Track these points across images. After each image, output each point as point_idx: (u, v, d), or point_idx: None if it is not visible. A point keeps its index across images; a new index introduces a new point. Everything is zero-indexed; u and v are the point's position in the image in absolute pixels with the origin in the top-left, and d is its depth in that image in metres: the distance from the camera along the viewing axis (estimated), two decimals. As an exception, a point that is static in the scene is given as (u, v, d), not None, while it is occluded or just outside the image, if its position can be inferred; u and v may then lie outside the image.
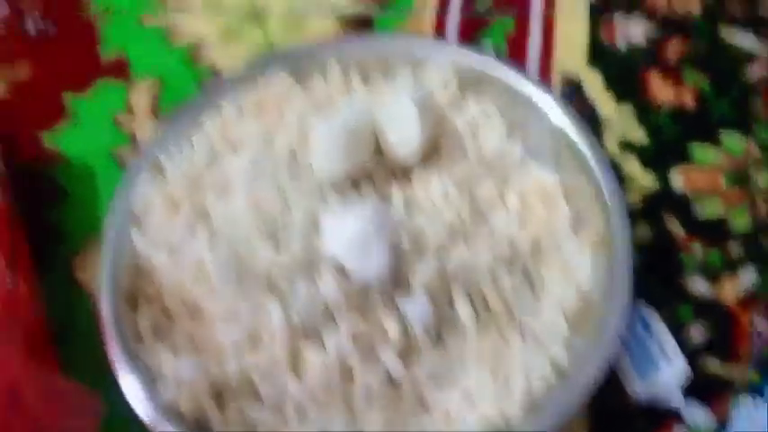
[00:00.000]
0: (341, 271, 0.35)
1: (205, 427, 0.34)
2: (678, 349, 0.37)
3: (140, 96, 0.49)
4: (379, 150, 0.40)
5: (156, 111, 0.48)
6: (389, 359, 0.35)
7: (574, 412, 0.35)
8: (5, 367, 0.27)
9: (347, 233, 0.35)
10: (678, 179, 0.44)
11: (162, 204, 0.40)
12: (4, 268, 0.29)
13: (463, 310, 0.36)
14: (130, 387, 0.35)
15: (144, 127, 0.48)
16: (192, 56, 0.51)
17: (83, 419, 0.31)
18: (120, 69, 0.50)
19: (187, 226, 0.39)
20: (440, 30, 0.50)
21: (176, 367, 0.35)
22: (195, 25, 0.52)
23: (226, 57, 0.50)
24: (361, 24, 0.51)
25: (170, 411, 0.34)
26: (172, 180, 0.41)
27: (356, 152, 0.39)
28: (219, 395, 0.35)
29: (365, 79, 0.44)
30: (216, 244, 0.38)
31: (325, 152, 0.39)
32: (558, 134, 0.41)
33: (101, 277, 0.38)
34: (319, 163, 0.39)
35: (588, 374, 0.34)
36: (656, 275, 0.41)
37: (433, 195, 0.39)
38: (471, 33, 0.50)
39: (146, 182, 0.40)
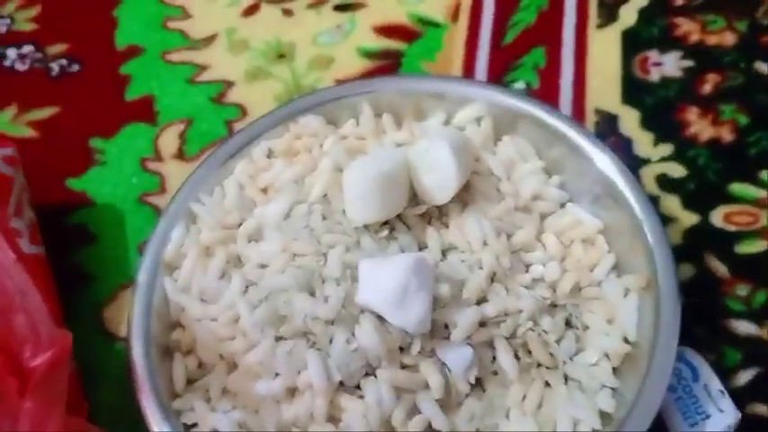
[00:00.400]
0: (380, 320, 0.35)
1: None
2: (727, 395, 0.36)
3: (167, 138, 0.49)
4: (413, 193, 0.40)
5: (184, 153, 0.48)
6: (430, 409, 0.34)
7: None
8: (45, 425, 0.27)
9: (386, 284, 0.34)
10: (718, 216, 0.43)
11: (194, 252, 0.39)
12: (48, 319, 0.29)
13: (505, 357, 0.35)
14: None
15: (171, 169, 0.48)
16: (218, 96, 0.50)
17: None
18: (147, 111, 0.50)
19: (220, 274, 0.39)
20: (469, 65, 0.50)
21: (213, 421, 0.34)
22: (221, 65, 0.52)
23: (253, 96, 0.50)
24: (388, 61, 0.51)
25: (206, 467, 0.34)
26: (204, 227, 0.40)
27: (390, 196, 0.38)
28: (257, 449, 0.34)
29: (397, 120, 0.43)
30: (251, 293, 0.37)
31: (359, 197, 0.38)
32: (597, 174, 0.40)
33: (132, 326, 0.37)
34: (353, 208, 0.38)
35: (636, 422, 0.33)
36: (699, 316, 0.40)
37: (471, 239, 0.38)
38: (501, 68, 0.50)
39: (178, 229, 0.40)
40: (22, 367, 0.26)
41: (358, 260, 0.37)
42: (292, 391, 0.35)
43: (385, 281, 0.34)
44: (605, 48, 0.50)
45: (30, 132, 0.49)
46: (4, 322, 0.27)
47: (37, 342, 0.27)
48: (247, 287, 0.38)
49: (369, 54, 0.51)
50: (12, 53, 0.53)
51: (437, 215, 0.40)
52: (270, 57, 0.52)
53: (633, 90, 0.48)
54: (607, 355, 0.36)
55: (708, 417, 0.36)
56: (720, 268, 0.42)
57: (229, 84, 0.51)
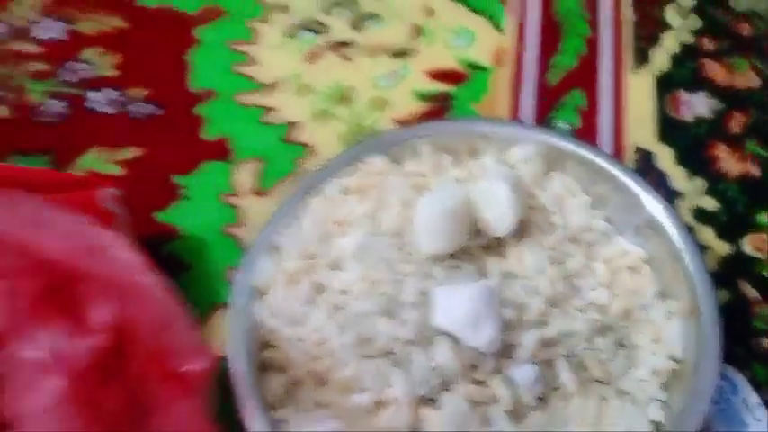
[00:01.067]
0: (454, 341, 0.39)
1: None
2: (764, 407, 0.41)
3: (243, 175, 0.54)
4: (474, 227, 0.44)
5: (259, 188, 0.53)
6: (501, 420, 0.39)
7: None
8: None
9: (460, 308, 0.39)
10: (748, 245, 0.48)
11: (281, 279, 0.44)
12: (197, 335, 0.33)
13: (565, 374, 0.40)
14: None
15: (248, 203, 0.52)
16: (287, 135, 0.55)
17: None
18: (223, 150, 0.55)
19: (306, 299, 0.43)
20: (515, 106, 0.55)
21: (312, 430, 0.39)
22: (289, 107, 0.57)
23: (318, 135, 0.55)
24: (439, 103, 0.56)
25: (306, 471, 0.38)
26: (287, 257, 0.45)
27: (455, 230, 0.43)
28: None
29: (454, 159, 0.48)
30: (336, 317, 0.42)
31: (428, 231, 0.43)
32: (639, 208, 0.44)
33: (232, 345, 0.42)
34: (422, 241, 0.43)
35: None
36: (732, 336, 0.45)
37: (528, 268, 0.43)
38: (545, 109, 0.54)
39: (264, 259, 0.45)
40: (176, 376, 0.31)
41: (430, 287, 0.41)
42: (379, 405, 0.39)
43: (458, 306, 0.39)
44: (640, 89, 0.55)
45: (116, 170, 0.55)
46: (164, 335, 0.32)
47: (188, 356, 0.31)
48: (331, 312, 0.42)
49: (422, 96, 0.56)
50: (95, 96, 0.59)
51: (496, 246, 0.45)
52: (332, 99, 0.57)
53: (667, 128, 0.53)
54: (655, 372, 0.40)
55: (747, 427, 0.41)
56: (750, 292, 0.46)
57: (296, 124, 0.56)
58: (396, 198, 0.46)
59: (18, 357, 0.34)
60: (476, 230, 0.44)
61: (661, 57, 0.56)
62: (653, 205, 0.44)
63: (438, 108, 0.56)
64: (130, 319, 0.33)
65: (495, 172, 0.45)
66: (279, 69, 0.59)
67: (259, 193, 0.53)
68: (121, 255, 0.34)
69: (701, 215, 0.49)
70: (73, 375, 0.32)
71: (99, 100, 0.58)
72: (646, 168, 0.50)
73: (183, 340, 0.32)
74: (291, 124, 0.56)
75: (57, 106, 0.58)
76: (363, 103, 0.57)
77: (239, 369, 0.41)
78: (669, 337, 0.41)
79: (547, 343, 0.40)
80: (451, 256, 0.43)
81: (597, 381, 0.40)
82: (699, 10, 0.58)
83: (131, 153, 0.56)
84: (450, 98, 0.56)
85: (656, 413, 0.39)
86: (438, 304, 0.40)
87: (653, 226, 0.44)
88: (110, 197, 0.46)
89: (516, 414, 0.39)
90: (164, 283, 0.34)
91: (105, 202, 0.44)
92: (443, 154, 0.48)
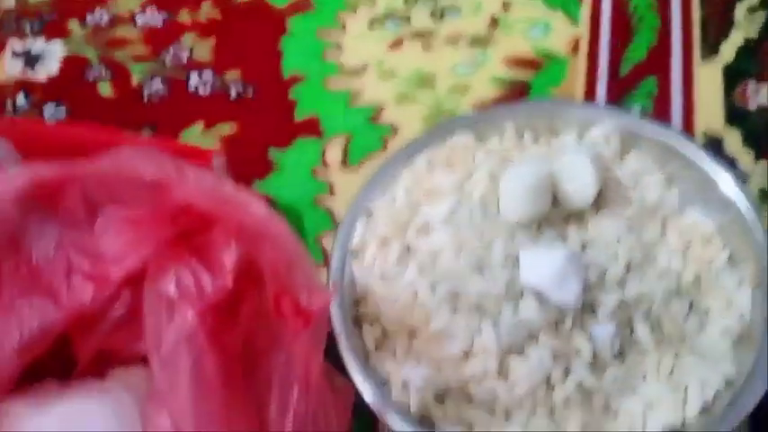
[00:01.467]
0: (539, 298, 0.43)
1: (428, 423, 0.42)
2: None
3: (333, 151, 0.58)
4: (555, 199, 0.48)
5: (347, 163, 0.57)
6: (581, 371, 0.42)
7: (742, 420, 0.41)
8: (311, 363, 0.35)
9: (547, 268, 0.42)
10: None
11: (375, 242, 0.48)
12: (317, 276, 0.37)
13: (642, 331, 0.43)
14: (367, 390, 0.42)
15: (337, 177, 0.56)
16: (373, 116, 0.59)
17: (343, 401, 0.38)
18: (314, 128, 0.59)
19: (398, 259, 0.47)
20: (590, 92, 0.58)
21: (404, 374, 0.42)
22: (374, 90, 0.61)
23: (402, 117, 0.59)
24: (518, 89, 0.59)
25: (399, 409, 0.42)
26: (380, 222, 0.49)
27: (538, 199, 0.46)
28: (439, 397, 0.42)
29: (535, 139, 0.52)
30: (426, 274, 0.45)
31: (514, 199, 0.46)
32: (709, 182, 0.47)
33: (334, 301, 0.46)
34: (509, 209, 0.46)
35: (754, 387, 0.41)
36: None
37: (607, 237, 0.46)
38: (618, 96, 0.58)
39: (360, 223, 0.49)
40: (302, 310, 0.34)
41: (516, 250, 0.45)
42: (467, 354, 0.43)
43: (545, 266, 0.43)
44: (708, 79, 0.57)
45: (216, 144, 0.59)
46: (289, 275, 0.35)
47: (311, 291, 0.35)
48: (421, 271, 0.46)
49: (500, 83, 0.60)
50: (194, 77, 0.63)
51: (576, 217, 0.48)
52: (414, 84, 0.61)
53: (734, 115, 0.55)
54: (726, 332, 0.43)
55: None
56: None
57: (381, 107, 0.60)
58: (483, 170, 0.49)
59: (158, 291, 0.38)
60: (557, 201, 0.47)
61: (729, 50, 0.59)
62: (724, 181, 0.47)
63: (516, 94, 0.59)
64: (258, 260, 0.37)
65: (576, 148, 0.49)
66: (364, 56, 0.63)
67: (348, 167, 0.57)
68: (249, 203, 0.38)
69: (766, 196, 0.51)
70: (203, 306, 0.36)
71: (197, 81, 0.63)
72: (715, 152, 0.53)
73: (305, 280, 0.36)
74: (376, 106, 0.60)
75: (158, 86, 0.63)
76: (444, 88, 0.60)
77: (337, 320, 0.45)
78: (739, 302, 0.44)
79: (625, 303, 0.43)
80: (534, 225, 0.47)
81: (672, 339, 0.43)
82: (765, 6, 0.61)
83: (229, 129, 0.60)
84: (527, 85, 0.59)
85: (729, 369, 0.42)
86: (525, 264, 0.43)
87: (723, 200, 0.47)
88: (221, 164, 0.50)
89: (596, 367, 0.42)
90: (287, 229, 0.38)
91: (218, 169, 0.49)
92: (526, 133, 0.52)
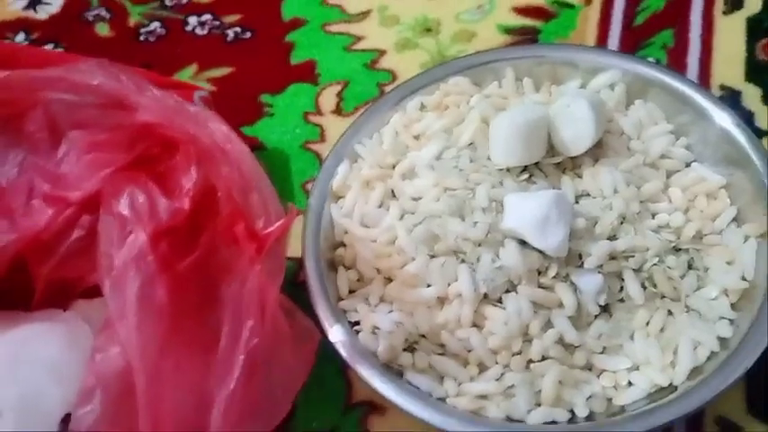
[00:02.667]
0: (521, 244, 0.40)
1: (397, 371, 0.39)
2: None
3: (327, 96, 0.55)
4: (550, 145, 0.44)
5: (341, 109, 0.55)
6: (563, 324, 0.39)
7: (734, 383, 0.37)
8: (267, 291, 0.33)
9: (531, 211, 0.39)
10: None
11: (357, 184, 0.45)
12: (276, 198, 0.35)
13: (632, 286, 0.40)
14: (336, 334, 0.40)
15: (330, 123, 0.54)
16: (371, 62, 0.57)
17: (306, 344, 0.36)
18: (309, 73, 0.57)
19: (379, 203, 0.45)
20: (601, 43, 0.55)
21: (374, 319, 0.40)
22: (375, 36, 0.58)
23: (402, 64, 0.56)
24: (525, 36, 0.56)
25: (368, 355, 0.39)
26: (365, 165, 0.46)
27: (531, 144, 0.43)
28: (409, 344, 0.40)
29: (536, 85, 0.49)
30: (407, 219, 0.43)
31: (504, 143, 0.43)
32: (722, 136, 0.44)
33: (305, 244, 0.43)
34: (498, 153, 0.43)
35: (750, 348, 0.37)
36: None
37: (603, 186, 0.43)
38: (632, 47, 0.54)
39: (343, 165, 0.46)
40: (257, 235, 0.32)
41: (502, 196, 0.42)
42: (443, 300, 0.40)
43: (530, 210, 0.40)
44: (730, 32, 0.53)
45: (208, 86, 0.57)
46: (244, 198, 0.33)
47: (268, 216, 0.33)
48: (402, 215, 0.44)
49: (507, 30, 0.57)
50: (193, 20, 0.61)
51: (571, 166, 0.45)
52: (417, 30, 0.58)
53: (755, 70, 0.51)
54: (726, 292, 0.40)
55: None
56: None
57: (381, 52, 0.57)
58: (474, 114, 0.46)
59: (111, 213, 0.36)
60: (552, 148, 0.44)
61: (754, 2, 0.55)
62: (737, 136, 0.44)
63: (523, 42, 0.56)
64: (218, 181, 0.35)
65: (576, 92, 0.45)
66: (367, 1, 0.60)
67: (341, 113, 0.54)
68: (214, 126, 0.36)
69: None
70: (158, 229, 0.35)
71: (195, 23, 0.61)
72: (731, 106, 0.49)
73: (262, 205, 0.34)
74: (376, 52, 0.57)
75: (156, 27, 0.61)
76: (448, 34, 0.57)
77: (309, 265, 0.43)
78: (742, 260, 0.40)
79: (616, 255, 0.40)
80: (525, 170, 0.44)
81: (665, 297, 0.40)
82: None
83: (223, 72, 0.58)
84: (536, 32, 0.56)
85: (725, 330, 0.38)
86: (509, 208, 0.41)
87: (735, 154, 0.43)
88: (203, 99, 0.48)
89: (579, 322, 0.39)
90: (250, 153, 0.35)
91: (198, 102, 0.47)
92: (526, 79, 0.49)
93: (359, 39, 0.58)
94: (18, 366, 0.36)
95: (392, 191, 0.45)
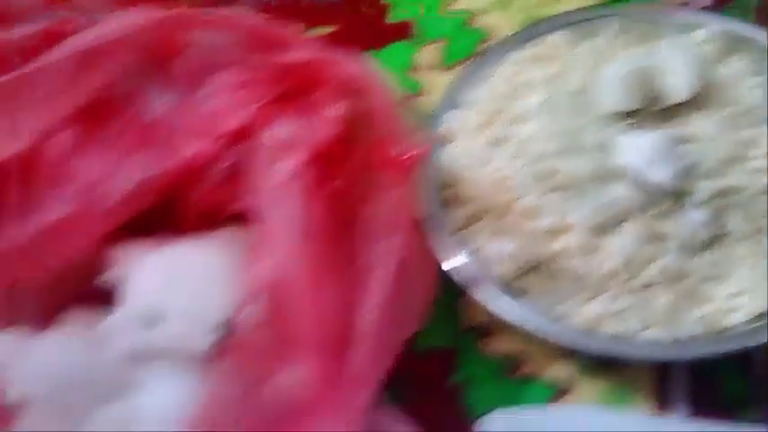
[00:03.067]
0: (633, 179, 0.43)
1: (515, 294, 0.43)
2: None
3: (426, 54, 0.58)
4: (653, 92, 0.47)
5: (440, 66, 0.58)
6: (671, 255, 0.42)
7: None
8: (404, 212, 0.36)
9: (642, 148, 0.42)
10: None
11: (464, 132, 0.49)
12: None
13: (735, 222, 0.43)
14: (454, 262, 0.43)
15: (430, 78, 0.57)
16: (467, 21, 0.60)
17: (431, 266, 0.39)
18: (407, 32, 0.60)
19: (489, 145, 0.48)
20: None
21: (492, 248, 0.43)
22: (470, -4, 0.61)
23: (498, 22, 0.59)
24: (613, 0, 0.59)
25: (486, 281, 0.43)
26: (471, 113, 0.49)
27: (634, 90, 0.46)
28: (524, 271, 0.43)
29: (638, 39, 0.51)
30: (518, 158, 0.46)
31: (608, 89, 0.46)
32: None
33: (421, 182, 0.46)
34: (605, 99, 0.47)
35: None
36: None
37: (704, 132, 0.46)
38: (717, 8, 0.57)
39: (452, 113, 0.49)
40: (399, 160, 0.36)
41: (610, 137, 0.45)
42: (556, 231, 0.43)
43: (640, 147, 0.43)
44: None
45: (312, 44, 0.61)
46: (387, 127, 0.37)
47: (407, 144, 0.36)
48: (514, 157, 0.47)
49: (598, -7, 0.60)
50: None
51: (673, 112, 0.47)
52: (513, -10, 0.61)
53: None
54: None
55: None
56: None
57: (478, 12, 0.60)
58: (581, 63, 0.49)
59: (259, 145, 0.40)
60: (654, 96, 0.47)
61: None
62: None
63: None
64: (362, 111, 0.38)
65: (677, 44, 0.48)
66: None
67: (441, 70, 0.58)
68: (351, 62, 0.39)
69: None
70: (307, 156, 0.38)
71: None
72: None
73: (403, 133, 0.37)
74: (471, 12, 0.60)
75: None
76: (541, -5, 0.60)
77: (428, 197, 0.46)
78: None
79: (719, 193, 0.43)
80: (630, 116, 0.47)
81: (765, 232, 0.43)
82: None
83: (324, 31, 0.61)
84: (625, -4, 0.59)
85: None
86: (621, 145, 0.44)
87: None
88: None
89: (686, 252, 0.42)
90: (388, 89, 0.39)
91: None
92: (625, 36, 0.51)
93: None
94: (180, 278, 0.40)
95: (500, 137, 0.48)
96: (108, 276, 0.42)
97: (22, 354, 0.36)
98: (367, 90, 0.38)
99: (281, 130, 0.39)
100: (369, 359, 0.36)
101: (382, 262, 0.37)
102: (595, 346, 0.41)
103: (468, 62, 0.52)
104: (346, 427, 0.35)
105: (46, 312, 0.42)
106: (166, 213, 0.44)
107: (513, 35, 0.52)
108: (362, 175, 0.38)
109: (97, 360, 0.36)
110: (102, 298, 0.43)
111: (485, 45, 0.58)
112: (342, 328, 0.37)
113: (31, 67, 0.40)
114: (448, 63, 0.58)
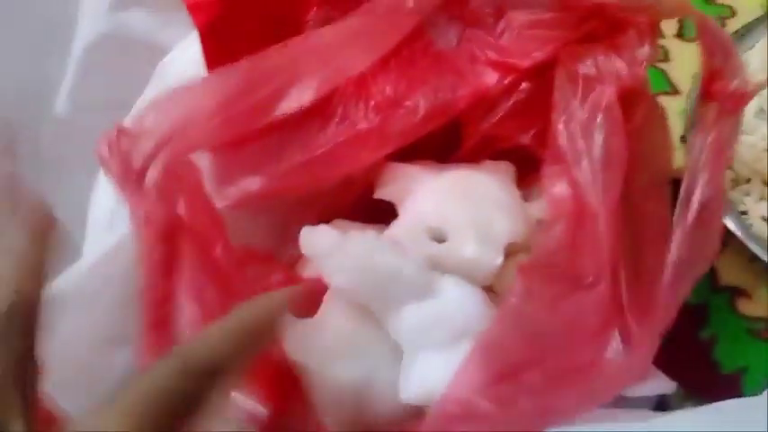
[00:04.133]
0: None
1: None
2: None
3: (668, 24, 0.59)
4: None
5: (682, 35, 0.59)
6: None
7: None
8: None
9: None
10: None
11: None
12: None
13: None
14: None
15: (673, 45, 0.58)
16: (710, -1, 0.61)
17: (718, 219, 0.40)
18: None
19: (754, 114, 0.48)
20: None
21: (761, 210, 0.44)
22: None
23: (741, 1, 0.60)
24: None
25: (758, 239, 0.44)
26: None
27: None
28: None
29: None
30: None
31: None
32: None
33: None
34: None
35: None
36: None
37: None
38: None
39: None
40: (731, 95, 0.38)
41: None
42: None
43: None
44: None
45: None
46: (723, 61, 0.38)
47: (741, 81, 0.38)
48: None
49: None
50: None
51: None
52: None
53: None
54: None
55: None
56: None
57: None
58: None
59: (569, 71, 0.41)
60: None
61: None
62: None
63: None
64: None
65: None
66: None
67: (684, 38, 0.59)
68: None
69: None
70: (614, 92, 0.40)
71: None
72: None
73: (735, 69, 0.39)
74: (715, -12, 0.61)
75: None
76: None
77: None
78: None
79: None
80: None
81: None
82: None
83: None
84: None
85: None
86: None
87: None
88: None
89: None
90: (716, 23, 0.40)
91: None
92: None
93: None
94: (469, 198, 0.42)
95: (762, 107, 0.49)
96: (386, 192, 0.45)
97: (341, 246, 0.38)
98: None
99: (591, 59, 0.41)
100: (666, 291, 0.37)
101: (697, 196, 0.38)
102: None
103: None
104: (641, 361, 0.36)
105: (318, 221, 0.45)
106: (445, 140, 0.46)
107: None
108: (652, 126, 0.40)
109: (403, 261, 0.39)
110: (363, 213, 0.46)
111: (728, 23, 0.58)
112: (637, 259, 0.38)
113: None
114: (691, 33, 0.59)
